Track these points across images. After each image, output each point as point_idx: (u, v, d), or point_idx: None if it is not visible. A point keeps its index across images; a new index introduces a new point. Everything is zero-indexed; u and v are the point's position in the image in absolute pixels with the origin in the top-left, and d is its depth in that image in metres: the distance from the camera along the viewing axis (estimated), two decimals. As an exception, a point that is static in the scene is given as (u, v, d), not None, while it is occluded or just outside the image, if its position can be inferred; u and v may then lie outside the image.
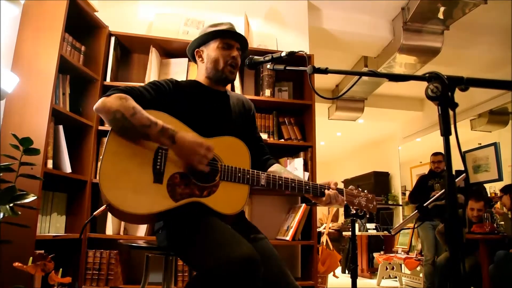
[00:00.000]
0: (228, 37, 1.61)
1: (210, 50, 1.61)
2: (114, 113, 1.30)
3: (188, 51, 1.71)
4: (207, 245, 1.24)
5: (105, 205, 1.32)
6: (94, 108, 1.35)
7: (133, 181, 1.31)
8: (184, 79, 2.97)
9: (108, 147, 1.33)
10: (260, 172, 1.48)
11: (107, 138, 1.35)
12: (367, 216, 1.59)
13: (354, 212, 1.59)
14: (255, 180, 1.45)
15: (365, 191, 1.62)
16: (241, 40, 1.65)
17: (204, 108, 1.56)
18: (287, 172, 1.62)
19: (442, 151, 0.92)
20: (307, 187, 1.51)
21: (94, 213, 1.53)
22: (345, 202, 1.55)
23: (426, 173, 4.62)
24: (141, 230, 2.70)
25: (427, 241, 4.30)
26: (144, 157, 1.35)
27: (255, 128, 1.75)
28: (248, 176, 1.44)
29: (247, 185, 1.45)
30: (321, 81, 5.96)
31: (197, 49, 1.67)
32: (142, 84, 2.83)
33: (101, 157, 1.33)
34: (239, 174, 1.43)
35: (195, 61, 1.71)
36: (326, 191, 1.51)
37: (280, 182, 1.49)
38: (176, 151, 1.33)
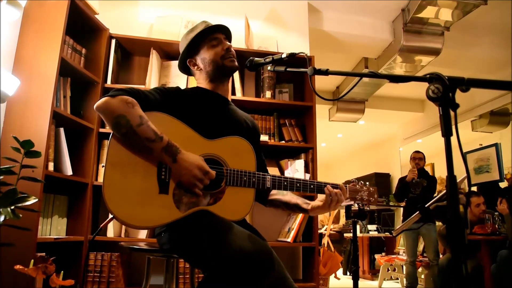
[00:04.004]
0: (211, 33, 1.58)
1: (204, 54, 1.58)
2: (118, 117, 1.25)
3: (179, 66, 1.67)
4: (218, 242, 1.21)
5: (111, 217, 1.31)
6: (95, 106, 1.28)
7: (138, 193, 1.28)
8: (185, 81, 3.00)
9: (109, 157, 1.27)
10: (266, 174, 1.46)
11: (108, 146, 1.29)
12: (368, 208, 1.59)
13: (357, 206, 1.59)
14: (261, 183, 1.44)
15: (367, 183, 1.61)
16: (224, 30, 1.62)
17: (208, 110, 1.53)
18: (289, 195, 1.62)
19: (444, 152, 0.91)
20: (312, 186, 1.51)
21: (101, 226, 1.53)
22: (348, 200, 1.55)
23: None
24: (142, 232, 2.70)
25: (406, 244, 4.49)
26: (147, 166, 1.31)
27: (259, 149, 1.70)
28: (253, 180, 1.43)
29: (253, 188, 1.43)
30: (321, 83, 5.97)
31: (188, 59, 1.62)
32: (142, 86, 2.87)
33: (102, 165, 1.31)
34: (245, 178, 1.41)
35: (189, 73, 1.67)
36: (325, 188, 1.50)
37: (285, 183, 1.48)
38: (174, 170, 1.30)
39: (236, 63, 1.59)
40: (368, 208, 1.60)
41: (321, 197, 1.53)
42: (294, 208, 1.58)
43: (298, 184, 1.50)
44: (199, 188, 1.32)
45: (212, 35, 1.58)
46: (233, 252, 1.14)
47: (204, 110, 1.52)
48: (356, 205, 1.59)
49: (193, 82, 3.04)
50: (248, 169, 1.44)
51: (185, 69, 1.67)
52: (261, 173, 1.45)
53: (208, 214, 1.34)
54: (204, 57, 1.58)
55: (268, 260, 1.16)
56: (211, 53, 1.56)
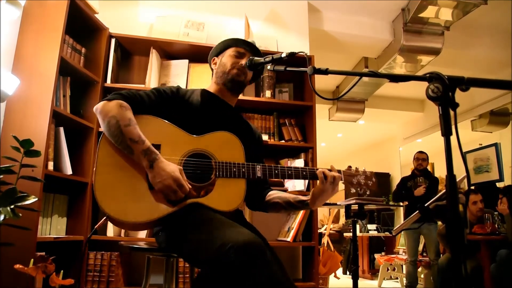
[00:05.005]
0: (241, 45, 1.65)
1: (224, 57, 1.65)
2: (110, 118, 1.32)
3: (208, 61, 1.76)
4: (206, 236, 1.21)
5: (105, 217, 1.33)
6: (94, 108, 1.38)
7: (129, 190, 1.32)
8: (185, 80, 2.99)
9: (100, 159, 1.33)
10: (256, 164, 1.46)
11: (97, 148, 1.35)
12: (368, 193, 1.55)
13: (354, 191, 1.56)
14: (251, 173, 1.43)
15: (364, 168, 1.59)
16: (255, 52, 1.66)
17: (201, 109, 1.55)
18: (286, 193, 1.61)
19: (443, 152, 0.91)
20: (304, 172, 1.49)
21: (96, 227, 1.54)
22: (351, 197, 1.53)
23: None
24: (142, 231, 2.70)
25: (408, 244, 4.50)
26: (136, 165, 1.34)
27: (261, 156, 1.71)
28: (243, 170, 1.43)
29: (244, 179, 1.43)
30: (321, 82, 5.97)
31: (214, 57, 1.72)
32: (142, 85, 2.87)
33: (94, 169, 1.32)
34: (234, 169, 1.42)
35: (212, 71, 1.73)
36: (317, 171, 1.47)
37: (276, 171, 1.47)
38: (151, 176, 1.32)
39: (241, 78, 1.60)
40: (368, 193, 1.56)
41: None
42: (296, 204, 1.56)
43: (289, 172, 1.49)
44: (172, 198, 1.32)
45: (243, 48, 1.64)
46: (220, 244, 1.12)
47: (197, 109, 1.55)
48: (354, 190, 1.56)
49: (192, 83, 3.04)
50: (237, 161, 1.44)
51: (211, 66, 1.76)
52: (250, 163, 1.45)
53: (199, 206, 1.35)
54: (222, 60, 1.65)
55: (259, 252, 1.13)
56: (228, 59, 1.63)
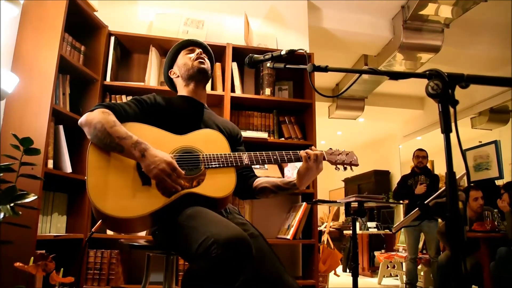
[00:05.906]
0: (188, 45, 1.77)
1: (180, 61, 1.75)
2: (96, 123, 1.36)
3: (165, 80, 1.84)
4: (192, 232, 1.24)
5: (100, 221, 1.35)
6: (78, 123, 1.42)
7: (123, 189, 1.34)
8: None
9: (90, 164, 1.36)
10: (241, 153, 1.52)
11: (87, 155, 1.37)
12: (352, 169, 1.60)
13: (339, 169, 1.60)
14: (238, 161, 1.49)
15: (343, 149, 1.64)
16: (202, 46, 1.77)
17: (180, 112, 1.61)
18: (274, 178, 1.67)
19: (443, 149, 0.91)
20: (288, 156, 1.55)
21: (93, 229, 1.56)
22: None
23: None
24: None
25: (408, 241, 4.49)
26: (127, 163, 1.37)
27: (242, 151, 1.75)
28: (231, 159, 1.48)
29: (233, 167, 1.48)
30: (321, 80, 5.96)
31: (170, 70, 1.79)
32: (142, 83, 2.87)
33: (85, 177, 1.33)
34: (222, 159, 1.47)
35: (174, 86, 1.81)
36: (299, 152, 1.53)
37: (262, 158, 1.53)
38: (144, 165, 1.33)
39: (204, 65, 1.70)
40: (352, 170, 1.62)
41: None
42: (284, 186, 1.60)
43: (275, 157, 1.55)
44: (169, 185, 1.33)
45: (189, 46, 1.76)
46: (202, 240, 1.15)
47: (176, 112, 1.61)
48: (339, 167, 1.59)
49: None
50: (223, 152, 1.50)
51: (171, 83, 1.83)
52: (236, 153, 1.51)
53: (193, 196, 1.38)
54: (179, 64, 1.74)
55: (243, 248, 1.15)
56: (185, 59, 1.73)
